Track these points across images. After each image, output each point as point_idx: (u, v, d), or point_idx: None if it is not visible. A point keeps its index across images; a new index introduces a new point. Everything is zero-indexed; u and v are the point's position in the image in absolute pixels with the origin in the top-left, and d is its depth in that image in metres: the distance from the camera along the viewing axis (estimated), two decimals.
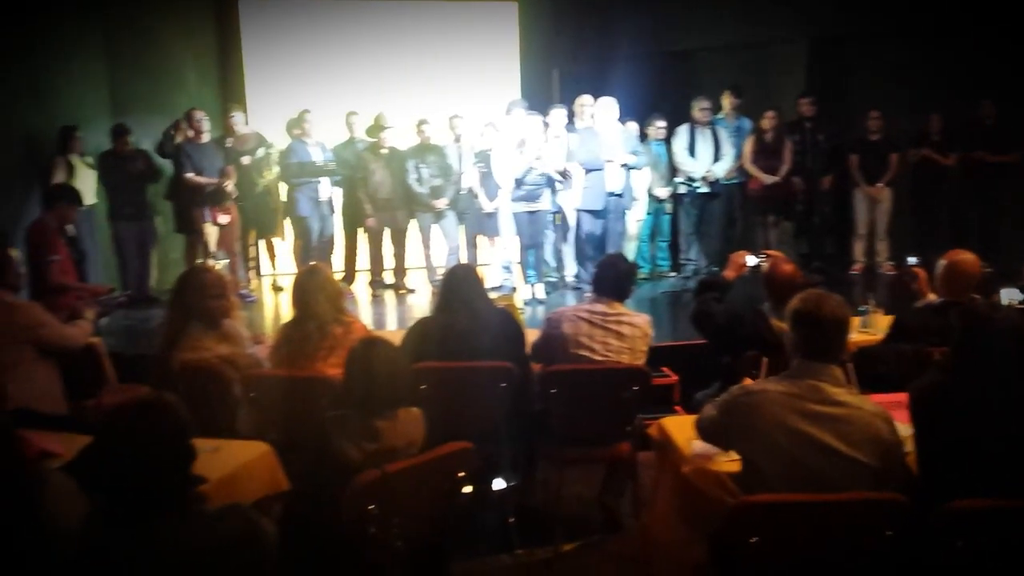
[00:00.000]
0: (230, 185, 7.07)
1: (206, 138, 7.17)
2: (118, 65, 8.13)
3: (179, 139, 7.28)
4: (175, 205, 7.35)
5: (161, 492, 1.90)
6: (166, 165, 7.45)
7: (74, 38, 7.70)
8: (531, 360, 3.96)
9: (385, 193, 7.38)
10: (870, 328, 4.26)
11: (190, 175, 6.98)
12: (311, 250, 7.34)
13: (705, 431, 2.62)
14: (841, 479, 2.19)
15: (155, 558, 1.86)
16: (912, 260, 4.90)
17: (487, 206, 7.29)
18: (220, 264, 6.74)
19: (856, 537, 2.12)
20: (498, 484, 4.07)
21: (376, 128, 7.46)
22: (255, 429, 3.43)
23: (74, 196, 5.34)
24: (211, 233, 7.08)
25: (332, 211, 7.59)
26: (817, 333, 2.33)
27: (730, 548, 2.24)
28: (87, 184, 6.85)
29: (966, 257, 3.71)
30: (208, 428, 2.99)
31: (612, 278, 3.88)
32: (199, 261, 6.96)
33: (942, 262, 3.74)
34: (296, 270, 7.55)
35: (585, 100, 7.28)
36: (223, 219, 7.09)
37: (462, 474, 2.61)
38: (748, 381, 2.81)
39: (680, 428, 2.98)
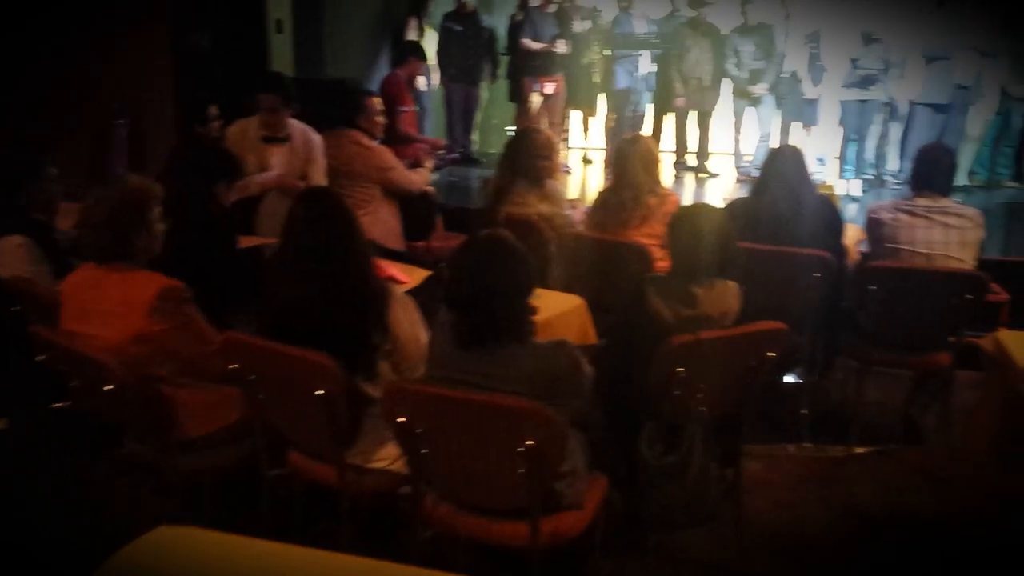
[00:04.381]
0: (562, 48, 7.20)
1: (552, 8, 7.32)
2: None
3: (520, 15, 7.51)
4: (509, 74, 7.66)
5: (505, 316, 2.10)
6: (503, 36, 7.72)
7: None
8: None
9: (698, 72, 7.16)
10: None
11: (526, 40, 7.21)
12: (623, 125, 7.38)
13: None
14: None
15: (495, 375, 2.08)
16: None
17: (811, 92, 6.85)
18: None
19: None
20: (794, 376, 4.01)
21: (698, 2, 7.19)
22: (565, 286, 3.62)
23: (422, 52, 5.76)
24: (536, 102, 7.34)
25: (648, 88, 7.52)
26: None
27: None
28: (432, 47, 7.32)
29: None
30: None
31: (932, 169, 3.53)
32: None
33: None
34: (606, 144, 7.68)
35: None
36: (549, 88, 7.31)
37: (772, 354, 2.59)
38: None
39: (1021, 343, 2.71)
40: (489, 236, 2.20)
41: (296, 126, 4.23)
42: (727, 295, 2.69)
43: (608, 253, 3.64)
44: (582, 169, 7.97)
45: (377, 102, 4.37)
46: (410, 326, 2.48)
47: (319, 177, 4.15)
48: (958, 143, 6.67)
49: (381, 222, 4.19)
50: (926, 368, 3.61)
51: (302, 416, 2.41)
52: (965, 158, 6.93)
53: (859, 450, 3.63)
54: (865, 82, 6.46)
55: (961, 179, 6.88)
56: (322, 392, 2.25)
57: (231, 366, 2.43)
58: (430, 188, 4.70)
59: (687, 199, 6.96)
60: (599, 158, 7.96)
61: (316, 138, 4.22)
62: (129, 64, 5.71)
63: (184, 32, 5.97)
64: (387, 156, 4.27)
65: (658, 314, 2.61)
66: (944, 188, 3.55)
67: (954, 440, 3.40)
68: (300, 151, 4.19)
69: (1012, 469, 2.81)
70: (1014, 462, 2.75)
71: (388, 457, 2.45)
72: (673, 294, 2.63)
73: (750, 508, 3.10)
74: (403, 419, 2.11)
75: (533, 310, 2.21)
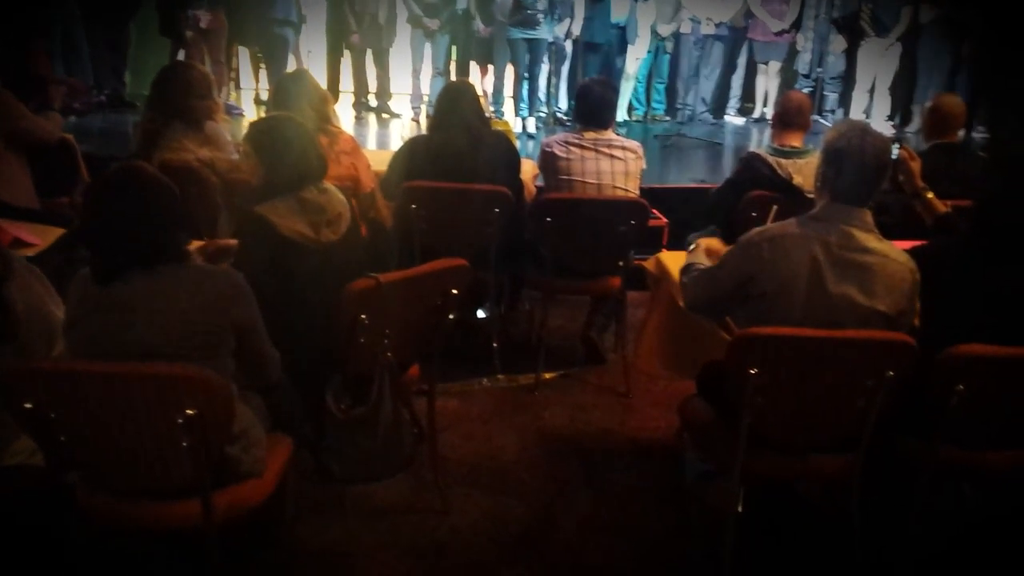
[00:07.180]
0: None
1: None
2: None
3: None
4: (159, 5, 6.88)
5: (146, 241, 1.92)
6: None
7: None
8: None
9: (371, 9, 6.96)
10: None
11: None
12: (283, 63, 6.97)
13: (700, 287, 2.39)
14: (856, 326, 2.11)
15: (147, 303, 1.90)
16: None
17: (484, 31, 6.93)
18: None
19: (858, 375, 2.08)
20: (483, 311, 4.06)
21: None
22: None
23: None
24: (194, 38, 6.68)
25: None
26: (856, 173, 2.12)
27: (725, 380, 2.20)
28: None
29: (950, 99, 3.75)
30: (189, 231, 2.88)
31: (594, 104, 3.66)
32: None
33: (927, 105, 3.82)
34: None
35: None
36: (205, 22, 6.66)
37: (455, 291, 2.53)
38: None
39: (678, 262, 2.90)
40: (120, 168, 1.99)
41: None
42: (338, 194, 2.58)
43: None
44: (256, 111, 7.48)
45: None
46: (36, 300, 2.11)
47: None
48: (618, 81, 7.14)
49: (6, 178, 3.54)
50: (601, 292, 3.81)
51: None
52: (624, 95, 7.45)
53: (547, 375, 3.77)
54: (531, 22, 6.64)
55: (621, 115, 7.41)
56: None
57: None
58: (68, 136, 4.06)
59: (370, 140, 6.83)
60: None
61: None
62: None
63: None
64: (4, 99, 3.61)
65: (299, 233, 2.42)
66: (607, 121, 3.70)
67: (628, 355, 3.62)
68: None
69: (676, 375, 3.04)
70: (679, 371, 2.96)
71: (25, 450, 2.09)
72: (296, 210, 2.43)
73: (447, 446, 3.09)
74: (30, 405, 1.77)
75: (186, 238, 2.05)
